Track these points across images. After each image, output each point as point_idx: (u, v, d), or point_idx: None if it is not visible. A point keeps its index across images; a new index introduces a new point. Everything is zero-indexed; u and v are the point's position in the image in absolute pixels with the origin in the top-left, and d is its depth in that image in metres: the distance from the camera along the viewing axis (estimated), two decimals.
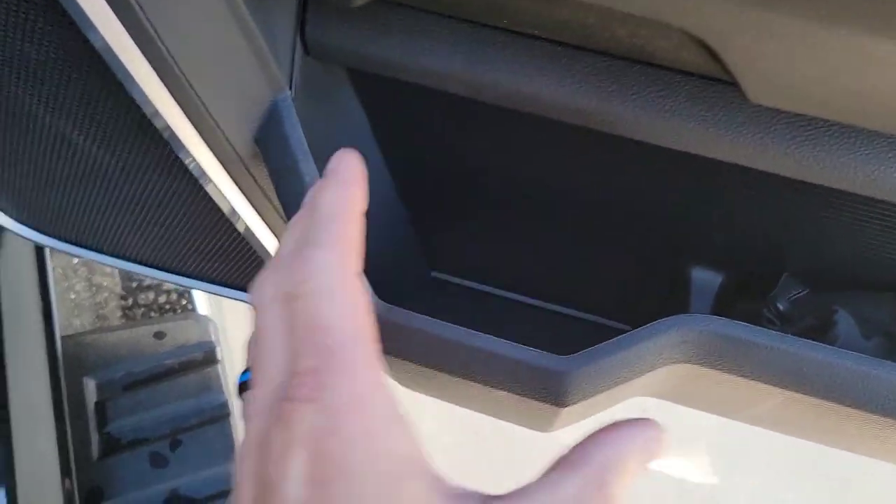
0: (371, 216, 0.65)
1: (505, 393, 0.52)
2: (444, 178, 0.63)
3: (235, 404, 1.07)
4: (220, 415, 1.04)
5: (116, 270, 1.11)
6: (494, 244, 0.71)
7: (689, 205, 0.55)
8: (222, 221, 0.57)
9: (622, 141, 0.50)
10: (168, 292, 1.12)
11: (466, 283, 0.76)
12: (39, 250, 0.99)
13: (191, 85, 0.43)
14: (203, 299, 1.12)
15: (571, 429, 1.75)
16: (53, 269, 1.08)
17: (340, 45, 0.47)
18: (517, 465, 1.76)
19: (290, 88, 0.49)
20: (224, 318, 1.16)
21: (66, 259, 1.10)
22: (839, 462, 1.74)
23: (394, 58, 0.47)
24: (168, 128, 0.45)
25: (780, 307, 0.56)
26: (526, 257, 0.71)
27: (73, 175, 0.55)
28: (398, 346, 0.51)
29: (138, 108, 0.45)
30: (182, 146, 0.47)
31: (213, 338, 1.07)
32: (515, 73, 0.45)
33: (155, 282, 1.12)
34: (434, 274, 0.76)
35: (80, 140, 0.51)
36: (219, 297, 1.19)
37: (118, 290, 1.13)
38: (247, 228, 0.57)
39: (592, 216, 0.62)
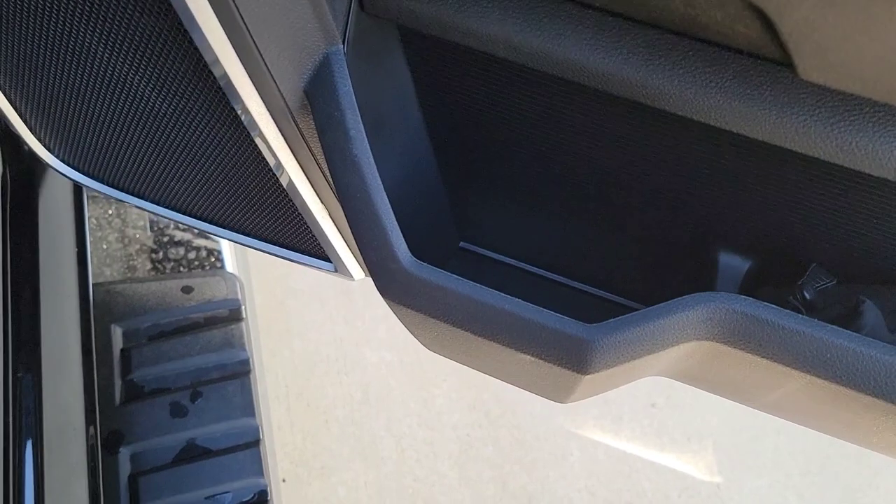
0: (408, 182, 0.67)
1: (528, 357, 0.53)
2: (483, 147, 0.64)
3: (257, 361, 1.09)
4: (242, 371, 1.06)
5: (149, 224, 1.13)
6: (525, 219, 0.72)
7: (722, 188, 0.56)
8: (267, 174, 0.59)
9: (661, 119, 0.51)
10: (198, 249, 1.14)
11: (494, 255, 0.77)
12: (78, 198, 1.01)
13: (248, 28, 0.44)
14: (231, 258, 1.14)
15: (575, 415, 1.75)
16: (88, 218, 1.11)
17: (396, 1, 0.48)
18: (523, 446, 1.77)
19: (344, 43, 0.50)
20: (251, 278, 1.18)
21: (100, 210, 1.13)
22: (846, 466, 1.74)
23: (446, 17, 0.48)
24: (220, 65, 0.47)
25: (807, 296, 0.57)
26: (555, 234, 0.72)
27: (124, 117, 0.57)
28: (428, 304, 0.52)
29: (196, 50, 0.46)
30: (234, 90, 0.48)
31: (240, 296, 1.09)
32: (565, 40, 0.46)
33: (186, 237, 1.14)
34: (463, 244, 0.77)
35: (136, 81, 0.52)
36: (246, 257, 1.21)
37: (150, 243, 1.15)
38: (290, 183, 0.58)
39: (625, 195, 0.62)
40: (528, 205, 0.71)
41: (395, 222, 0.51)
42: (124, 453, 0.99)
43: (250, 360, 1.05)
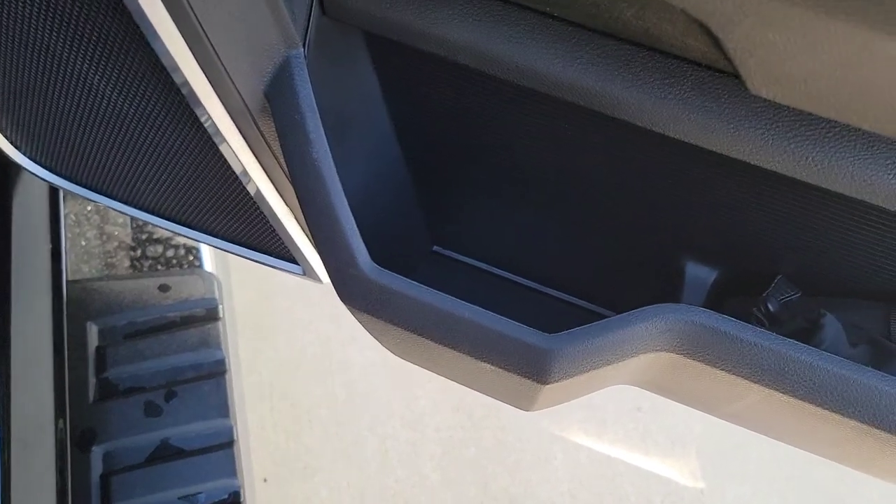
0: (377, 186, 0.66)
1: (488, 366, 0.52)
2: (452, 152, 0.64)
3: (233, 362, 1.09)
4: (217, 371, 1.06)
5: (128, 221, 1.13)
6: (496, 224, 0.72)
7: (688, 198, 0.55)
8: (231, 177, 0.58)
9: (626, 128, 0.51)
10: (176, 247, 1.14)
11: (466, 260, 0.77)
12: (54, 195, 1.01)
13: (205, 31, 0.44)
14: (209, 257, 1.13)
15: (559, 417, 1.74)
16: (66, 214, 1.10)
17: (357, 6, 0.48)
18: (506, 448, 1.77)
19: (304, 46, 0.49)
20: (229, 277, 1.18)
21: (79, 206, 1.12)
22: (829, 474, 1.74)
23: (407, 23, 0.47)
24: (179, 70, 0.46)
25: (771, 307, 0.57)
26: (526, 239, 0.72)
27: (90, 118, 0.56)
28: (388, 311, 0.52)
29: (153, 52, 0.46)
30: (193, 92, 0.48)
31: (217, 295, 1.09)
32: (525, 48, 0.46)
33: (164, 235, 1.14)
34: (436, 248, 0.77)
35: (97, 81, 0.52)
36: (225, 255, 1.20)
37: (128, 240, 1.15)
38: (253, 186, 0.58)
39: (593, 202, 0.62)
40: (499, 209, 0.70)
41: (355, 227, 0.51)
42: (97, 452, 0.98)
43: (226, 359, 1.05)
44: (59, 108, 0.58)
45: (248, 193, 0.59)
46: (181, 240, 1.16)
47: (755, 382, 0.49)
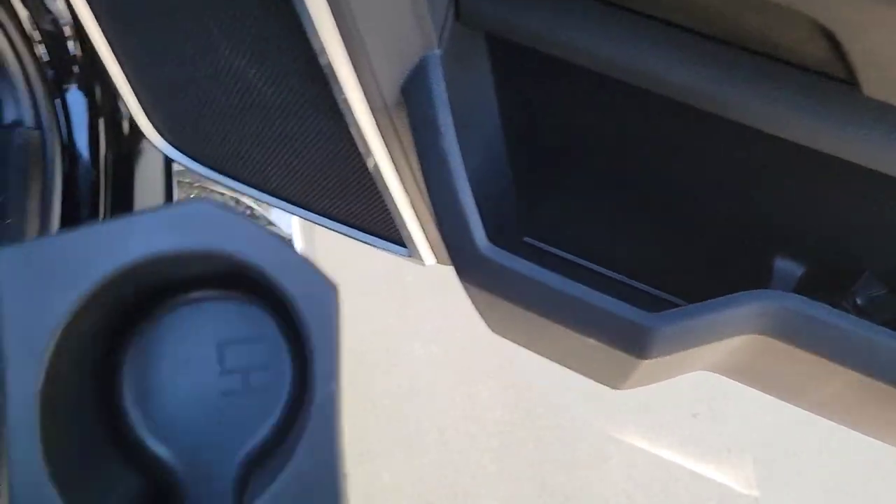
0: (482, 175, 0.72)
1: (592, 341, 0.57)
2: (553, 148, 0.69)
3: None
4: None
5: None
6: (589, 218, 0.77)
7: (783, 195, 0.59)
8: (360, 167, 0.64)
9: (727, 128, 0.55)
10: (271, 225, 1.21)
11: (557, 251, 0.82)
12: (168, 181, 1.09)
13: (357, 28, 0.50)
14: (300, 244, 1.21)
15: (616, 419, 1.78)
16: (176, 200, 1.19)
17: (488, 13, 0.54)
18: (564, 445, 1.80)
19: (439, 48, 0.55)
20: (315, 255, 1.25)
21: (184, 193, 1.21)
22: (887, 487, 1.73)
23: (534, 28, 0.53)
24: (331, 65, 0.52)
25: (859, 301, 0.60)
26: (618, 234, 0.76)
27: (239, 110, 0.63)
28: (501, 286, 0.57)
29: (308, 45, 0.52)
30: (340, 87, 0.54)
31: None
32: (643, 52, 0.51)
33: (260, 223, 1.21)
34: (527, 240, 0.82)
35: (251, 74, 0.59)
36: (313, 245, 1.27)
37: None
38: (378, 172, 0.64)
39: (688, 199, 0.66)
40: (594, 205, 0.75)
41: (476, 211, 0.56)
42: None
43: None
44: (209, 98, 0.65)
45: (371, 179, 0.65)
46: (273, 228, 1.24)
47: (845, 366, 0.52)
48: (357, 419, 1.83)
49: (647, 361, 0.56)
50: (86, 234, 0.30)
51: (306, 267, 0.31)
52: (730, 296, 0.53)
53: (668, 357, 0.56)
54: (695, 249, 0.72)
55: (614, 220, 0.75)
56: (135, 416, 0.35)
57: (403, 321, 1.93)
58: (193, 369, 0.35)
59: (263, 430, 0.35)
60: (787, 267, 0.65)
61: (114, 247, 0.30)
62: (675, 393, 1.87)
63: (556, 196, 0.77)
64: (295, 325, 0.33)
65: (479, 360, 1.89)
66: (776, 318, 0.53)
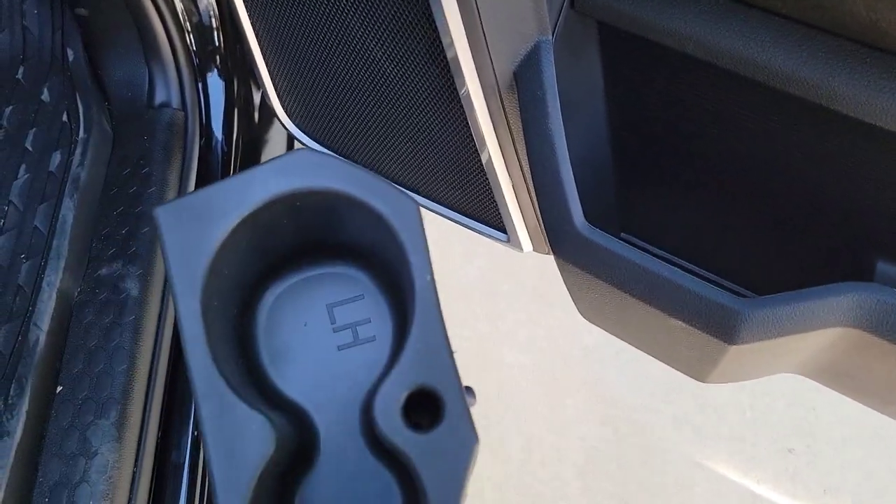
0: (584, 163, 0.75)
1: (681, 323, 0.59)
2: (657, 141, 0.71)
3: None
4: None
5: None
6: (686, 217, 0.78)
7: (885, 195, 0.59)
8: (470, 150, 0.69)
9: (833, 121, 0.56)
10: None
11: (653, 248, 0.83)
12: None
13: (479, 14, 0.55)
14: None
15: (705, 445, 1.74)
16: None
17: (602, 1, 0.57)
18: (648, 467, 1.78)
19: (553, 34, 0.59)
20: None
21: None
22: None
23: (645, 17, 0.56)
24: (452, 46, 0.57)
25: None
26: (715, 233, 0.77)
27: (365, 91, 0.69)
28: (595, 264, 0.60)
29: (435, 31, 0.57)
30: (459, 67, 0.59)
31: None
32: (750, 41, 0.53)
33: None
34: (624, 235, 0.84)
35: (382, 60, 0.64)
36: None
37: None
38: (487, 157, 0.68)
39: (791, 198, 0.67)
40: (693, 202, 0.76)
41: (576, 191, 0.59)
42: None
43: None
44: (340, 84, 0.71)
45: (479, 163, 0.69)
46: None
47: None
48: None
49: (734, 348, 0.57)
50: (219, 188, 0.37)
51: (390, 188, 0.37)
52: (824, 286, 0.53)
53: (756, 346, 0.57)
54: (795, 251, 0.72)
55: (714, 219, 0.76)
56: (271, 370, 0.42)
57: (495, 328, 1.96)
58: (311, 330, 0.42)
59: (377, 370, 0.41)
60: (890, 272, 0.64)
61: (242, 193, 0.37)
62: (770, 425, 1.80)
63: (656, 192, 0.79)
64: (389, 281, 0.40)
65: (567, 374, 1.90)
66: (873, 312, 0.52)
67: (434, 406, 0.35)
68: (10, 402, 0.76)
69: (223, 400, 0.35)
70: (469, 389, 0.38)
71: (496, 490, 1.76)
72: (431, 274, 0.36)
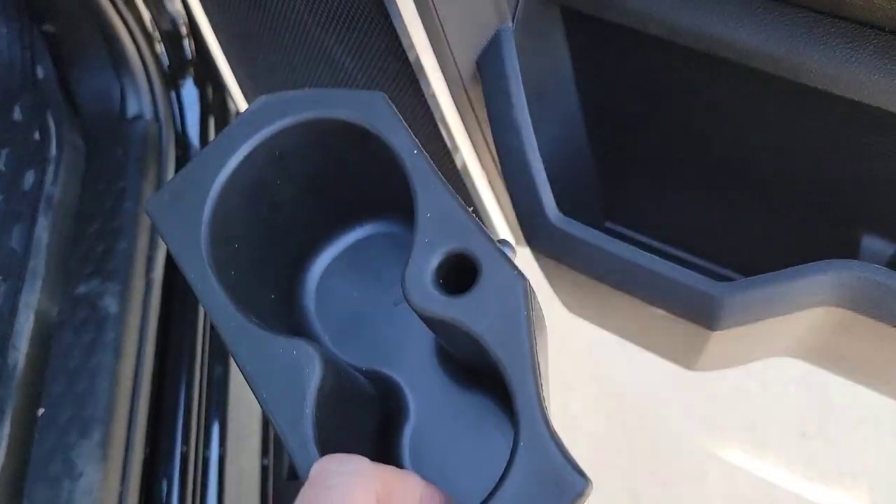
0: (559, 157, 0.73)
1: (662, 312, 0.57)
2: (633, 127, 0.70)
3: None
4: None
5: None
6: (671, 202, 0.76)
7: (869, 168, 0.57)
8: (441, 148, 0.67)
9: (803, 95, 0.54)
10: None
11: (638, 236, 0.81)
12: None
13: (436, 9, 0.53)
14: None
15: (716, 434, 1.71)
16: None
17: None
18: (659, 459, 1.75)
19: (513, 21, 0.57)
20: None
21: None
22: None
23: None
24: (412, 45, 0.56)
25: None
26: (700, 218, 0.75)
27: (326, 86, 0.68)
28: (570, 256, 0.58)
29: (389, 21, 0.56)
30: (420, 65, 0.57)
31: None
32: (712, 17, 0.51)
33: None
34: (608, 224, 0.82)
35: (339, 52, 0.63)
36: None
37: None
38: (459, 154, 0.67)
39: (769, 177, 0.65)
40: (676, 189, 0.74)
41: (546, 180, 0.58)
42: None
43: None
44: (304, 82, 0.70)
45: (451, 159, 0.68)
46: None
47: None
48: None
49: (717, 333, 0.55)
50: (196, 162, 0.37)
51: (349, 93, 0.37)
52: (804, 265, 0.52)
53: (739, 330, 0.55)
54: (780, 233, 0.70)
55: (696, 203, 0.74)
56: (336, 349, 0.42)
57: None
58: (364, 298, 0.43)
59: None
60: (875, 245, 0.62)
61: (219, 158, 0.37)
62: (782, 411, 1.78)
63: (637, 178, 0.77)
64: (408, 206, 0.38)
65: (573, 368, 1.88)
66: (854, 289, 0.51)
67: (473, 272, 0.33)
68: None
69: (254, 337, 0.34)
70: (505, 242, 0.36)
71: None
72: (418, 147, 0.35)
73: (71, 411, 0.78)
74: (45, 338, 0.81)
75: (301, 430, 0.32)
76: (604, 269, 0.57)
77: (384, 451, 0.38)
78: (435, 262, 0.34)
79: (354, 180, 0.40)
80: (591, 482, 0.32)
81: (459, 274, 0.34)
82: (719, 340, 0.57)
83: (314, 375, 0.33)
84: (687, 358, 0.63)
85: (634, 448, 1.75)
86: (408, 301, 0.34)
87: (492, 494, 0.30)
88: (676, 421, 1.78)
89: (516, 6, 0.57)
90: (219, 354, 0.91)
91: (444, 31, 0.55)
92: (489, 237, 0.34)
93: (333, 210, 0.42)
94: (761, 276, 0.52)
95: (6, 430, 0.75)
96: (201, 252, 0.35)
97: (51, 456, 0.76)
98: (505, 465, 0.31)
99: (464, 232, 0.34)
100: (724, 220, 0.73)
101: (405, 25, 0.54)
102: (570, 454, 0.31)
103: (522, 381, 0.31)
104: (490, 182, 0.70)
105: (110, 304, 0.82)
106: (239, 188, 0.37)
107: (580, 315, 0.71)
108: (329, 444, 0.32)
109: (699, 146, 0.66)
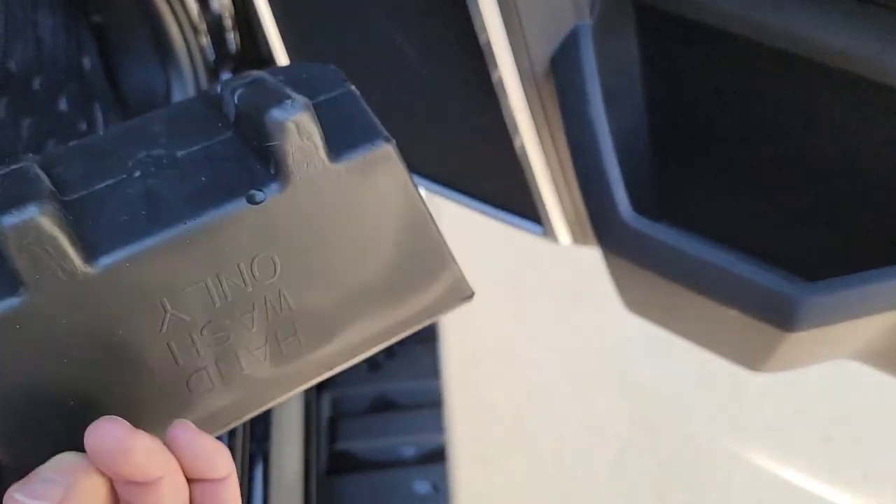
0: (621, 148, 0.72)
1: (735, 312, 0.56)
2: (696, 126, 0.69)
3: (443, 335, 1.19)
4: (430, 337, 1.17)
5: None
6: (728, 200, 0.75)
7: None
8: (505, 139, 0.66)
9: (884, 98, 0.53)
10: None
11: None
12: None
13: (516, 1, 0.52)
14: None
15: (742, 439, 1.69)
16: None
17: None
18: (684, 462, 1.75)
19: (590, 18, 0.57)
20: None
21: None
22: None
23: None
24: (486, 32, 0.55)
25: None
26: (758, 218, 0.74)
27: (395, 82, 0.67)
28: (642, 254, 0.58)
29: (466, 15, 0.55)
30: (493, 54, 0.57)
31: None
32: (793, 15, 0.50)
33: None
34: (662, 223, 0.82)
35: (408, 49, 0.62)
36: None
37: None
38: (522, 145, 0.66)
39: (836, 183, 0.64)
40: (733, 185, 0.73)
41: (621, 179, 0.57)
42: (326, 397, 1.11)
43: (437, 328, 1.15)
44: (367, 77, 0.69)
45: (514, 153, 0.67)
46: None
47: None
48: (473, 422, 1.84)
49: (793, 335, 0.55)
50: None
51: None
52: (887, 268, 0.51)
53: (814, 333, 0.54)
54: (845, 233, 0.69)
55: (758, 203, 0.73)
56: None
57: (521, 327, 1.94)
58: None
59: None
60: None
61: None
62: (806, 414, 1.76)
63: (694, 178, 0.76)
64: None
65: (598, 370, 1.87)
66: None
67: None
68: None
69: None
70: None
71: (529, 490, 1.74)
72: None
73: None
74: None
75: None
76: (676, 267, 0.56)
77: None
78: None
79: None
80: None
81: None
82: (792, 343, 0.57)
83: None
84: (755, 360, 0.62)
85: (659, 450, 1.74)
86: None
87: None
88: (701, 423, 1.77)
89: (593, 2, 0.56)
90: None
91: (521, 21, 0.54)
92: None
93: None
94: (842, 277, 0.52)
95: None
96: None
97: None
98: None
99: None
100: (786, 224, 0.72)
101: (480, 10, 0.54)
102: None
103: None
104: (554, 181, 0.69)
105: None
106: None
107: (642, 315, 0.70)
108: None
109: (766, 147, 0.65)
